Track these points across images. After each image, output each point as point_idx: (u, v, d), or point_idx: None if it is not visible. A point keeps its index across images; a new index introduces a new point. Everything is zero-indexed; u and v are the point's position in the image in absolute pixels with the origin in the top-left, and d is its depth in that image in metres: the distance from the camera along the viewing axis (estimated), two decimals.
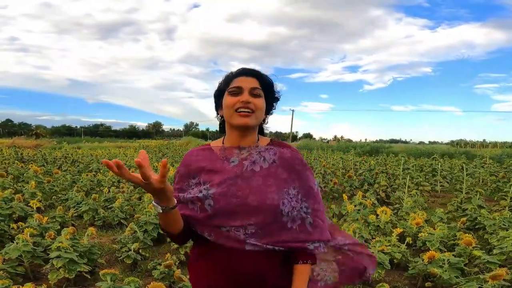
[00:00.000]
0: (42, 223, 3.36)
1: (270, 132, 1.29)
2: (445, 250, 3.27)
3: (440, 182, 8.03)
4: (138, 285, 2.17)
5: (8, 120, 68.72)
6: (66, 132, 61.67)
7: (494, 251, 3.07)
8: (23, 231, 3.51)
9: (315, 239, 1.07)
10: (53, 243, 2.95)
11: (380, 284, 2.20)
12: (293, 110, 36.85)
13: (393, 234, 3.34)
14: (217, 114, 1.18)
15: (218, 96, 1.15)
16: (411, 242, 3.41)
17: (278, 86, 1.17)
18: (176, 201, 0.95)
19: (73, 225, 4.19)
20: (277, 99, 1.18)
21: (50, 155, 12.59)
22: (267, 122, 1.21)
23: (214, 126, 1.24)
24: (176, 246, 3.63)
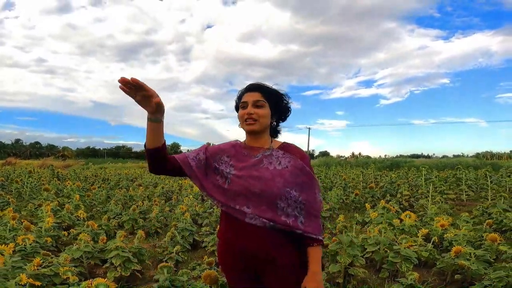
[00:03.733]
0: (94, 229, 3.72)
1: None
2: (472, 249, 3.38)
3: (465, 191, 7.99)
4: (190, 277, 2.45)
5: (36, 143, 71.90)
6: (90, 154, 63.87)
7: None
8: (74, 238, 3.90)
9: (307, 231, 1.29)
10: (106, 246, 3.29)
11: (410, 273, 2.38)
12: (309, 128, 37.03)
13: (418, 234, 3.49)
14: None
15: (236, 109, 1.47)
16: (437, 241, 3.53)
17: (285, 96, 1.44)
18: (162, 117, 1.24)
19: (115, 233, 4.54)
20: (285, 104, 1.44)
21: (81, 174, 13.27)
22: (275, 124, 1.45)
23: None
24: (211, 249, 3.90)
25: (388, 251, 3.22)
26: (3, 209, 5.32)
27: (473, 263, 2.79)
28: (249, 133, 1.41)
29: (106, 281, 2.10)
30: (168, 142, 1.48)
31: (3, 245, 2.58)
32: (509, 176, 10.31)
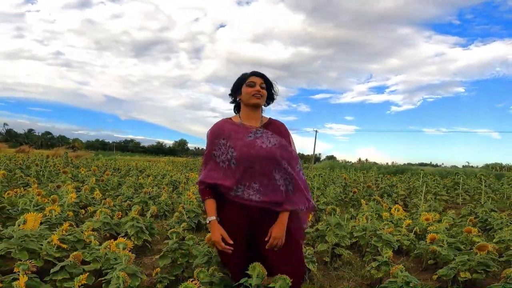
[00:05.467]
0: (110, 206, 4.15)
1: None
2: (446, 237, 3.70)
3: (461, 195, 8.24)
4: (195, 242, 2.84)
5: (48, 133, 73.38)
6: (99, 146, 65.17)
7: (494, 240, 3.48)
8: (91, 215, 4.32)
9: (295, 201, 1.73)
10: (120, 221, 3.70)
11: (385, 251, 2.73)
12: (316, 131, 37.14)
13: (403, 225, 3.83)
14: (233, 97, 1.87)
15: (237, 87, 1.83)
16: (418, 231, 3.86)
17: (276, 86, 1.89)
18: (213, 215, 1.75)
19: (127, 213, 4.96)
20: (274, 92, 1.88)
21: (92, 163, 13.82)
22: (265, 106, 1.88)
23: None
24: None
25: (373, 237, 3.56)
26: (25, 188, 5.79)
27: (445, 249, 3.11)
28: (252, 106, 1.79)
29: (125, 240, 2.50)
30: (176, 138, 1.94)
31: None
32: (509, 184, 10.49)
